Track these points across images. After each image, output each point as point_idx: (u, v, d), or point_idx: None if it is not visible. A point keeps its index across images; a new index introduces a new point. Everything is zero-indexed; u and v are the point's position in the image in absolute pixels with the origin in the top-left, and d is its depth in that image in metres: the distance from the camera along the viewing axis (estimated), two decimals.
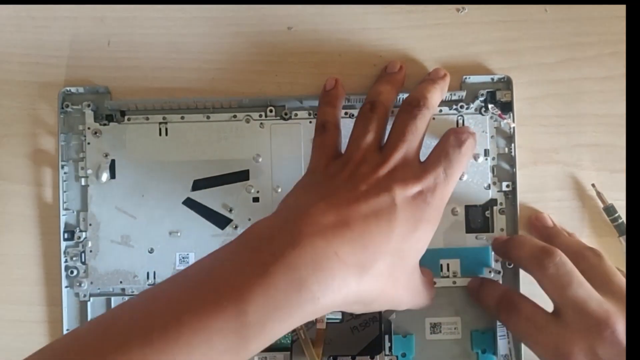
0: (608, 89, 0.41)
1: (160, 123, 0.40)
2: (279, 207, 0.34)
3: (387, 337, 0.39)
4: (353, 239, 0.30)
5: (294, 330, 0.39)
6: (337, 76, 0.40)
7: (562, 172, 0.41)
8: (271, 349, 0.40)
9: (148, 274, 0.40)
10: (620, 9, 0.41)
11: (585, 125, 0.41)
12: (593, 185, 0.40)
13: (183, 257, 0.40)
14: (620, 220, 0.40)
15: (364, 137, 0.35)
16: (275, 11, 0.41)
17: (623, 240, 0.40)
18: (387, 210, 0.31)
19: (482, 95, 0.40)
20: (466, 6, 0.41)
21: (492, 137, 0.40)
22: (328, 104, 0.38)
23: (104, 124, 0.40)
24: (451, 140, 0.35)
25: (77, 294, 0.40)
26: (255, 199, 0.40)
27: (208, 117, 0.40)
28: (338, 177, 0.33)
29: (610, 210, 0.40)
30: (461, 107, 0.40)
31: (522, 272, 0.39)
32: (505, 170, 0.40)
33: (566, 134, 0.41)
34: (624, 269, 0.40)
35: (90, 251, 0.40)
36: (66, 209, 0.40)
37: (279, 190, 0.40)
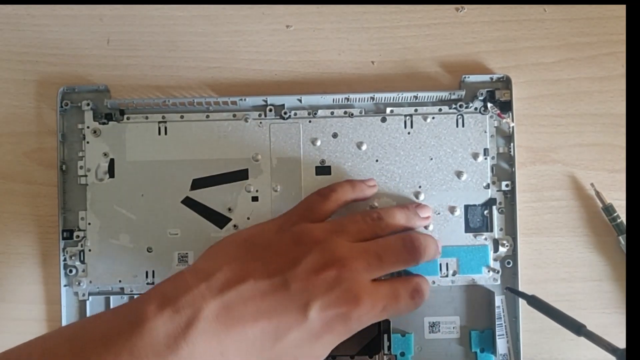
0: (607, 89, 0.41)
1: (159, 122, 0.40)
2: (210, 254, 0.35)
3: (385, 336, 0.39)
4: (245, 341, 0.30)
5: None
6: (337, 76, 0.41)
7: (560, 171, 0.41)
8: None
9: (147, 273, 0.40)
10: (619, 9, 0.41)
11: (584, 125, 0.41)
12: (592, 184, 0.40)
13: (182, 257, 0.40)
14: (619, 220, 0.40)
15: (346, 230, 0.35)
16: (274, 10, 0.41)
17: (622, 239, 0.40)
18: (292, 325, 0.31)
19: (482, 94, 0.40)
20: (465, 6, 0.41)
21: (491, 136, 0.40)
22: (353, 187, 0.38)
23: (103, 123, 0.40)
24: (410, 287, 0.35)
25: (76, 293, 0.40)
26: (255, 199, 0.40)
27: (207, 117, 0.40)
28: (284, 251, 0.33)
29: (609, 209, 0.40)
30: (460, 106, 0.40)
31: (521, 272, 0.39)
32: (504, 169, 0.40)
33: (565, 133, 0.41)
34: (623, 268, 0.40)
35: (89, 250, 0.40)
36: (65, 208, 0.40)
37: (278, 189, 0.40)
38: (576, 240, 0.41)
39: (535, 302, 0.37)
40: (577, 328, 0.34)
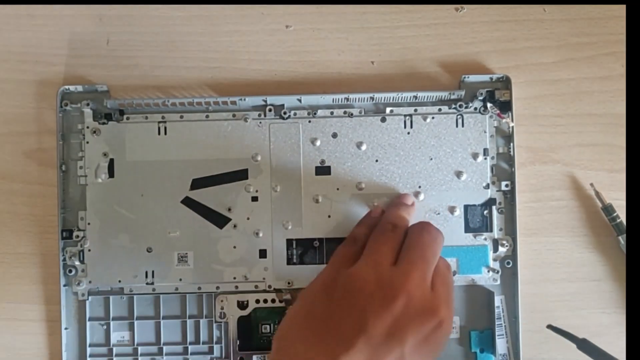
0: (606, 89, 0.41)
1: (159, 122, 0.40)
2: (283, 347, 0.33)
3: None
4: None
5: None
6: (337, 76, 0.41)
7: (560, 171, 0.41)
8: (269, 348, 0.40)
9: (147, 273, 0.40)
10: (619, 9, 0.41)
11: (583, 125, 0.41)
12: (592, 184, 0.40)
13: (181, 257, 0.40)
14: (618, 220, 0.40)
15: (381, 253, 0.34)
16: (274, 10, 0.41)
17: (622, 239, 0.40)
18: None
19: (481, 94, 0.40)
20: (465, 6, 0.41)
21: (491, 136, 0.40)
22: (369, 227, 0.37)
23: (103, 123, 0.40)
24: (443, 264, 0.34)
25: (75, 293, 0.40)
26: (254, 198, 0.40)
27: (207, 116, 0.40)
28: (346, 309, 0.32)
29: (608, 209, 0.40)
30: (460, 106, 0.40)
31: (521, 272, 0.39)
32: (504, 169, 0.40)
33: (565, 133, 0.41)
34: (623, 268, 0.40)
35: (89, 250, 0.40)
36: (65, 208, 0.40)
37: (278, 189, 0.40)
38: (576, 240, 0.41)
39: (587, 347, 0.36)
40: None
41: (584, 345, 0.36)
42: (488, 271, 0.40)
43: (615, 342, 0.40)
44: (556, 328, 0.38)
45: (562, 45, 0.41)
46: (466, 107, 0.40)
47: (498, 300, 0.40)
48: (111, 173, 0.40)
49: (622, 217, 0.40)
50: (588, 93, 0.41)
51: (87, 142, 0.40)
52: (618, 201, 0.40)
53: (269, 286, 0.40)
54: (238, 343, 0.40)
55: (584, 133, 0.41)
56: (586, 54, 0.41)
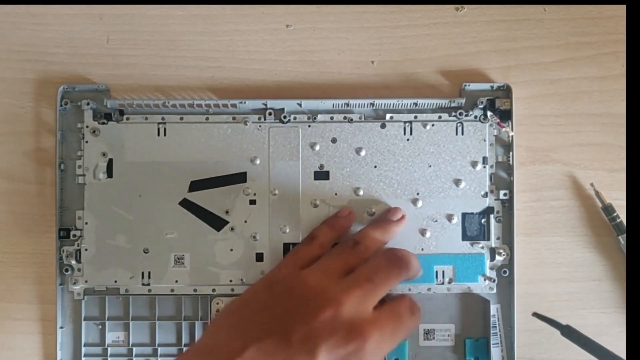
0: (606, 89, 0.41)
1: (159, 123, 0.40)
2: (210, 330, 0.34)
3: None
4: None
5: None
6: (337, 76, 0.41)
7: (560, 171, 0.41)
8: None
9: (143, 274, 0.40)
10: (619, 9, 0.41)
11: (583, 125, 0.41)
12: (592, 184, 0.40)
13: (178, 258, 0.40)
14: (618, 220, 0.40)
15: (332, 265, 0.34)
16: (274, 10, 0.41)
17: (622, 239, 0.40)
18: None
19: (482, 102, 0.40)
20: (465, 6, 0.41)
21: (490, 145, 0.40)
22: (331, 227, 0.38)
23: (103, 123, 0.40)
24: (407, 304, 0.34)
25: (71, 292, 0.40)
26: (252, 202, 0.40)
27: (207, 119, 0.40)
28: (279, 306, 0.33)
29: (608, 209, 0.40)
30: (460, 114, 0.39)
31: (520, 271, 0.39)
32: (503, 178, 0.40)
33: (564, 133, 0.41)
34: (623, 268, 0.40)
35: (86, 250, 0.40)
36: (62, 207, 0.40)
37: (276, 193, 0.40)
38: (576, 240, 0.41)
39: (570, 333, 0.36)
40: None
41: (568, 332, 0.36)
42: (484, 280, 0.39)
43: (615, 342, 0.40)
44: (541, 315, 0.38)
45: (562, 45, 0.41)
46: (466, 115, 0.40)
47: (494, 309, 0.39)
48: (110, 173, 0.40)
49: (622, 217, 0.40)
50: (588, 93, 0.41)
51: (87, 142, 0.40)
52: (618, 201, 0.40)
53: None
54: None
55: (584, 133, 0.41)
56: (586, 54, 0.41)
